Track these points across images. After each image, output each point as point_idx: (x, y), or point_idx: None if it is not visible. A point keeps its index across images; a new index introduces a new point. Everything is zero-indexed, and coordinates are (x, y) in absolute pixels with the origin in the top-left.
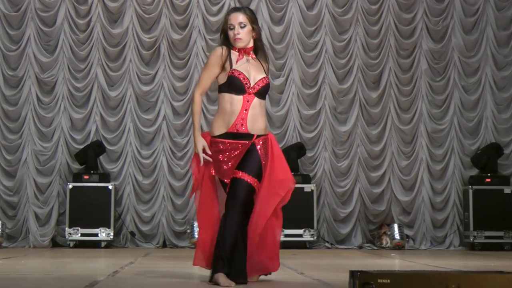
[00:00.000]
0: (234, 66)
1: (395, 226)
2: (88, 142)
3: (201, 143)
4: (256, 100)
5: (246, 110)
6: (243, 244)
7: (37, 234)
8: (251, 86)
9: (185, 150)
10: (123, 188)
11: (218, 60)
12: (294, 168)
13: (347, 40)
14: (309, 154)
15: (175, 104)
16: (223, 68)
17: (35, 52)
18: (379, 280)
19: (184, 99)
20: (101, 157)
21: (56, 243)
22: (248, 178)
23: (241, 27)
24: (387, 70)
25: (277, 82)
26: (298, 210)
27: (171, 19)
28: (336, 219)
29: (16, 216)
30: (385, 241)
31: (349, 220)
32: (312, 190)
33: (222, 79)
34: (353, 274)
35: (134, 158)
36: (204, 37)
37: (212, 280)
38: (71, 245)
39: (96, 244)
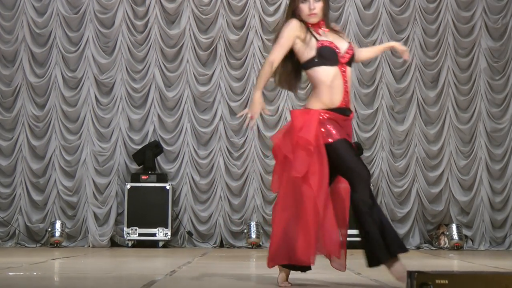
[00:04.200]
0: (318, 38)
1: (454, 226)
2: (146, 143)
3: (261, 105)
4: (349, 69)
5: (346, 81)
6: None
7: (96, 233)
8: (342, 55)
9: (242, 150)
10: (181, 188)
11: (296, 32)
12: None
13: (404, 39)
14: (366, 153)
15: (232, 104)
16: (303, 41)
17: (93, 53)
18: (437, 281)
19: (241, 99)
20: (158, 157)
21: (115, 242)
22: None
23: (316, 1)
24: (445, 69)
25: None
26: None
27: (227, 20)
28: (393, 219)
29: (75, 216)
30: (443, 241)
31: (407, 220)
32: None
33: (308, 53)
34: (410, 274)
35: (191, 158)
36: (261, 37)
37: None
38: (129, 244)
39: (154, 244)
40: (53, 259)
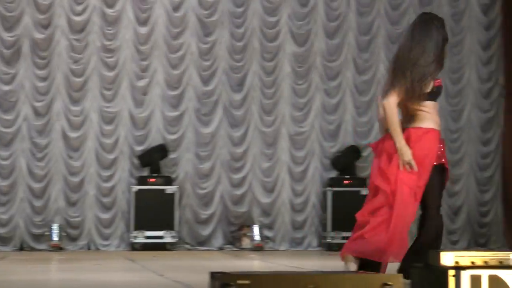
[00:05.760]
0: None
1: (255, 228)
2: None
3: (410, 151)
4: None
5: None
6: None
7: None
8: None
9: (46, 151)
10: None
11: None
12: (156, 169)
13: (212, 42)
14: (172, 155)
15: (36, 104)
16: None
17: None
18: (239, 282)
19: (45, 99)
20: None
21: None
22: None
23: None
24: (251, 73)
25: (141, 83)
26: (159, 212)
27: (33, 18)
28: (197, 220)
29: None
30: (245, 242)
31: (210, 221)
32: (174, 192)
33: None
34: (213, 275)
35: None
36: (68, 37)
37: None
38: None
39: None
40: None
